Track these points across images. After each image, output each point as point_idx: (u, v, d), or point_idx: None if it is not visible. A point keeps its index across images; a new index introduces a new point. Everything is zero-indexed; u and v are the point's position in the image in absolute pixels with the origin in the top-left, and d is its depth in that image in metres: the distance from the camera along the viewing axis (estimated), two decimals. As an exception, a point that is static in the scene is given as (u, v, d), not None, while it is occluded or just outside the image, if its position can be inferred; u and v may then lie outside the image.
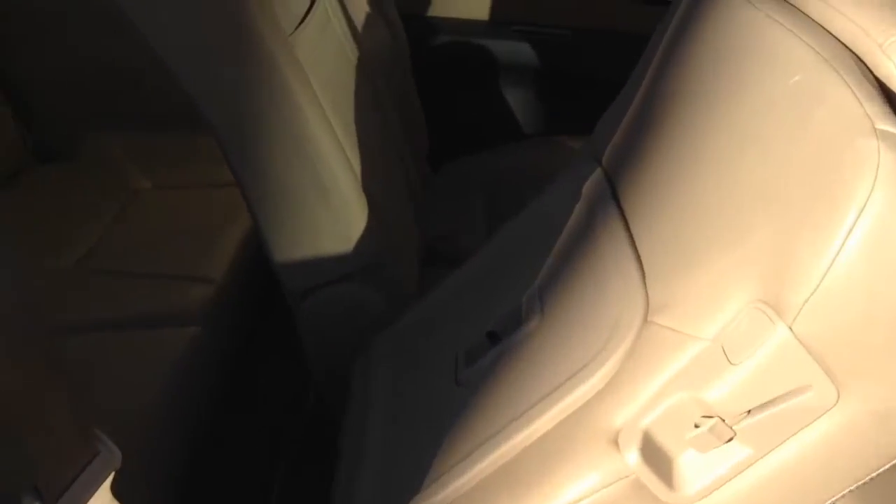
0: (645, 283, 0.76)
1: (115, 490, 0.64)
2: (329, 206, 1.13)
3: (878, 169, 0.56)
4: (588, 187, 0.94)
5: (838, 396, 0.62)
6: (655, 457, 0.70)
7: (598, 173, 0.95)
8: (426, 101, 1.91)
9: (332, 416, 1.35)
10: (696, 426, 0.67)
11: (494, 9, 1.96)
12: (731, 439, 0.66)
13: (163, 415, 1.29)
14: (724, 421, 0.66)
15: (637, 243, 0.81)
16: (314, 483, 1.34)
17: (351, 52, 1.34)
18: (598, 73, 1.85)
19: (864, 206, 0.57)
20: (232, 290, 1.51)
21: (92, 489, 0.62)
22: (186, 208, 1.75)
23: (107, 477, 0.64)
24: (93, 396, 1.28)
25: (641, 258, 0.79)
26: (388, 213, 1.27)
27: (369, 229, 1.18)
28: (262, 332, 1.56)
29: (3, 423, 0.57)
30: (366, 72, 1.38)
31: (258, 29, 1.01)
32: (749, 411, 0.65)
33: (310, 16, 1.19)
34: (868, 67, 0.63)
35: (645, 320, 0.73)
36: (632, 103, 0.94)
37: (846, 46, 0.65)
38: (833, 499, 0.68)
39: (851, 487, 0.67)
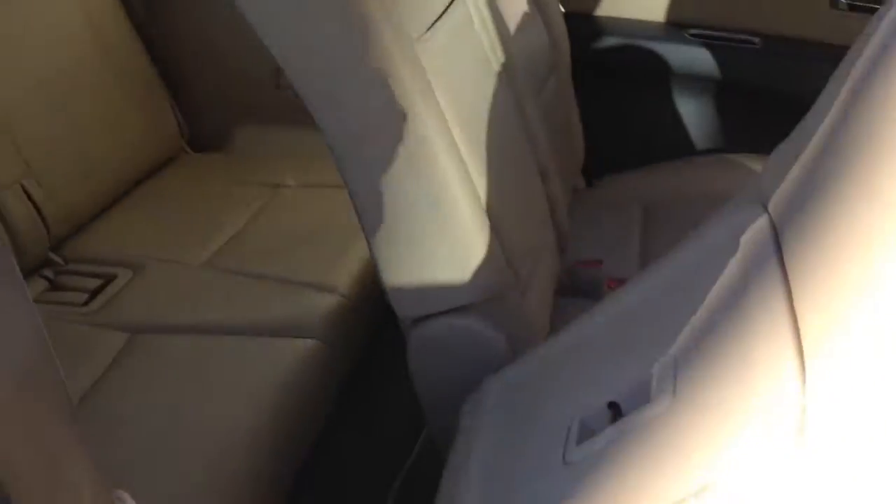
0: (804, 380, 0.58)
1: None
2: (446, 230, 1.01)
3: None
4: (748, 238, 0.76)
5: None
6: None
7: (761, 222, 0.76)
8: (586, 110, 1.75)
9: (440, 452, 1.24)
10: None
11: (670, 10, 1.75)
12: None
13: (271, 427, 1.23)
14: None
15: (800, 321, 0.63)
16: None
17: (494, 58, 1.21)
18: (786, 87, 1.61)
19: None
20: (356, 303, 1.43)
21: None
22: (325, 209, 1.69)
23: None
24: (200, 401, 1.25)
25: (803, 343, 0.61)
26: (517, 238, 1.13)
27: (492, 257, 1.05)
28: (382, 351, 1.47)
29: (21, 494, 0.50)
30: (509, 79, 1.24)
31: (376, 31, 0.90)
32: None
33: (445, 16, 1.07)
34: None
35: (800, 433, 0.56)
36: (816, 135, 0.75)
37: None
38: None
39: None
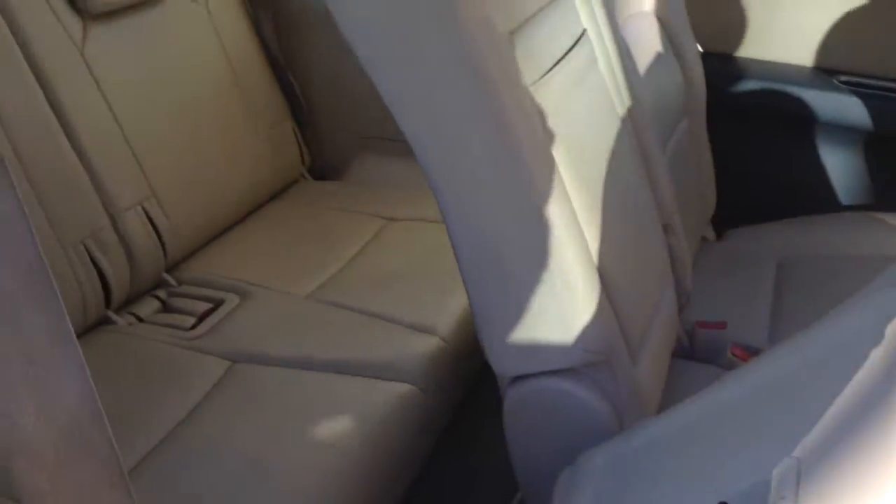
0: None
1: None
2: (552, 286, 0.94)
3: None
4: (893, 331, 0.65)
5: None
6: None
7: (915, 312, 0.65)
8: (719, 156, 1.64)
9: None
10: None
11: (819, 54, 1.62)
12: None
13: (360, 471, 1.18)
14: None
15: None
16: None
17: (618, 101, 1.13)
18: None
19: None
20: (456, 348, 1.37)
21: None
22: (434, 245, 1.65)
23: None
24: (292, 435, 1.23)
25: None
26: (631, 297, 1.04)
27: (601, 318, 0.96)
28: (481, 401, 1.40)
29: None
30: (634, 124, 1.16)
31: (488, 77, 0.84)
32: None
33: (569, 56, 1.00)
34: None
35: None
36: None
37: None
38: None
39: None
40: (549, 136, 0.91)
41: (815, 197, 1.71)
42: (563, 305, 0.95)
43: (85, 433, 0.48)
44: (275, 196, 1.88)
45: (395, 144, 1.89)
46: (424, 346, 1.35)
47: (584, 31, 1.07)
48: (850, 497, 0.58)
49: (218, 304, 1.52)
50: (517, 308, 0.96)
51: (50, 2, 1.44)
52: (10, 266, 0.42)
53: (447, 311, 1.42)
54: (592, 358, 0.97)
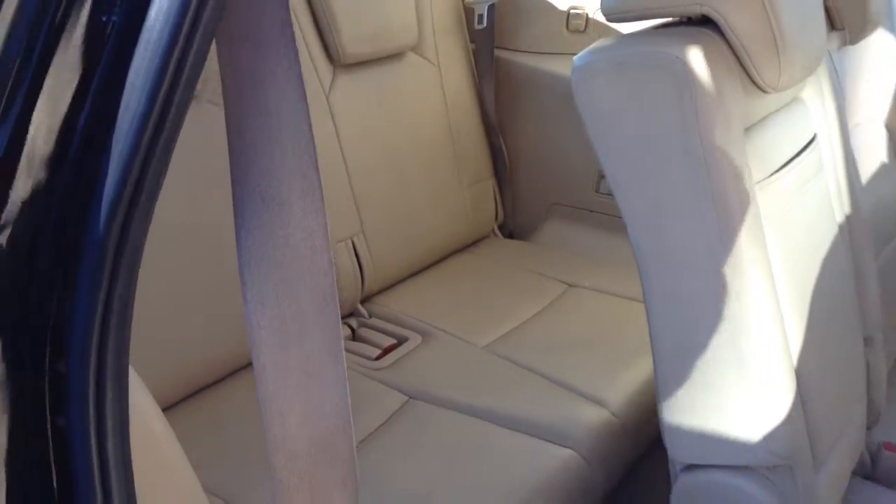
0: None
1: None
2: (747, 382, 0.94)
3: None
4: None
5: None
6: None
7: None
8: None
9: None
10: None
11: None
12: None
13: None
14: None
15: None
16: None
17: (839, 208, 1.13)
18: None
19: None
20: (624, 423, 1.38)
21: None
22: (613, 318, 1.67)
23: None
24: (455, 479, 1.27)
25: None
26: (823, 407, 1.02)
27: (790, 421, 0.95)
28: (643, 480, 1.39)
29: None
30: (851, 232, 1.14)
31: (716, 171, 0.87)
32: None
33: (798, 159, 1.01)
34: None
35: None
36: None
37: None
38: None
39: None
40: (768, 234, 0.93)
41: None
42: (755, 401, 0.95)
43: (334, 440, 0.55)
44: (466, 247, 1.97)
45: (581, 213, 1.94)
46: (592, 415, 1.37)
47: (815, 135, 1.08)
48: None
49: (402, 340, 1.61)
50: (705, 397, 0.97)
51: (310, 51, 1.61)
52: (309, 292, 0.50)
53: (620, 384, 1.44)
54: (776, 461, 0.96)
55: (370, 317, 1.68)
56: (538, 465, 1.28)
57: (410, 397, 1.44)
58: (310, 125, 0.49)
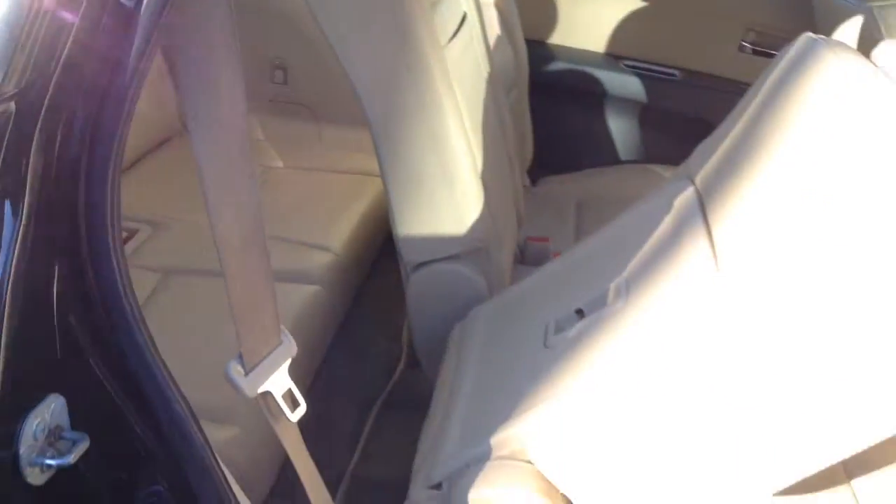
0: (717, 264, 0.94)
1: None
2: (452, 193, 1.33)
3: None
4: (680, 201, 1.11)
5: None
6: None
7: (690, 191, 1.12)
8: (535, 120, 2.10)
9: (419, 378, 1.56)
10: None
11: (610, 43, 2.14)
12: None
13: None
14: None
15: (713, 233, 0.99)
16: (399, 429, 1.53)
17: (484, 69, 1.55)
18: (697, 112, 2.01)
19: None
20: (348, 260, 1.73)
21: (276, 366, 0.82)
22: (312, 188, 1.99)
23: (286, 360, 0.84)
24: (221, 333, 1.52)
25: (715, 246, 0.97)
26: (499, 206, 1.46)
27: (482, 217, 1.37)
28: (368, 298, 1.77)
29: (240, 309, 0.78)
30: (494, 87, 1.58)
31: (421, 40, 1.22)
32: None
33: (458, 34, 1.40)
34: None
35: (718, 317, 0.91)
36: (728, 137, 1.11)
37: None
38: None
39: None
40: (454, 85, 1.31)
41: (603, 154, 2.24)
42: (458, 206, 1.35)
43: (256, 236, 0.80)
44: (154, 149, 2.11)
45: (268, 105, 2.18)
46: (322, 257, 1.70)
47: (465, 14, 1.47)
48: (657, 283, 1.02)
49: (132, 233, 1.75)
50: (425, 209, 1.35)
51: None
52: (231, 138, 0.74)
53: (337, 233, 1.78)
54: (477, 244, 1.38)
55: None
56: (290, 304, 1.58)
57: (164, 274, 1.62)
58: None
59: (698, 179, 1.12)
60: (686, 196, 1.12)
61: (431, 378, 1.35)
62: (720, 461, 0.89)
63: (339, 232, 1.79)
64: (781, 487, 0.86)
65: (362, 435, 1.60)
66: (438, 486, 1.03)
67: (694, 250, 1.00)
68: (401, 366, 1.72)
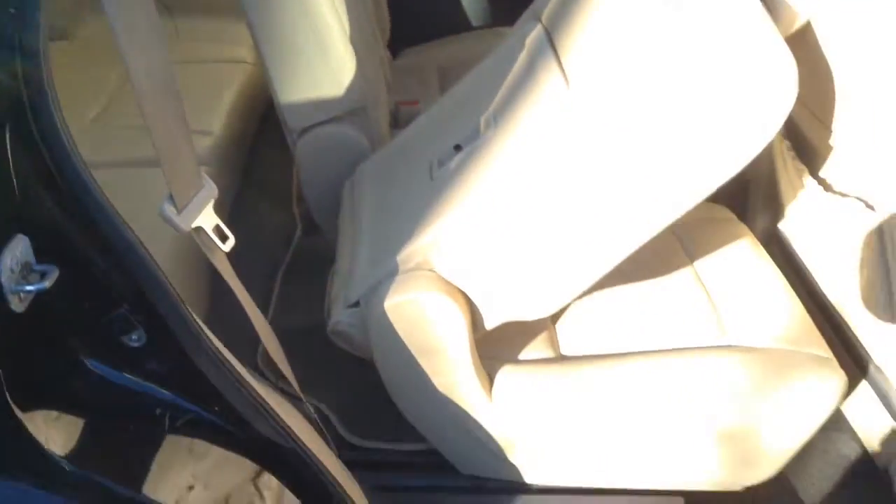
0: (567, 83, 1.11)
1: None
2: (327, 60, 1.43)
3: None
4: (531, 39, 1.27)
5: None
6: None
7: (538, 28, 1.27)
8: None
9: (317, 244, 1.69)
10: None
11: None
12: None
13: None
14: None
15: (561, 60, 1.15)
16: (303, 288, 1.67)
17: None
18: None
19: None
20: (228, 139, 1.81)
21: (203, 206, 0.93)
22: (178, 81, 2.01)
23: (210, 201, 0.95)
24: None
25: (564, 68, 1.13)
26: (371, 69, 1.58)
27: (357, 79, 1.49)
28: (255, 176, 1.86)
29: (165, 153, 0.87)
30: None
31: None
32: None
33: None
34: None
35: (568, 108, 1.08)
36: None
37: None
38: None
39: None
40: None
41: (456, 22, 2.36)
42: (333, 72, 1.46)
43: (169, 86, 0.90)
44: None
45: None
46: (205, 140, 1.77)
47: None
48: (520, 110, 1.18)
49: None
50: (304, 77, 1.45)
51: None
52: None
53: (214, 118, 1.84)
54: (354, 105, 1.50)
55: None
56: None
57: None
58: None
59: (544, 18, 1.27)
60: (536, 33, 1.27)
61: (331, 239, 1.48)
62: (574, 238, 1.08)
63: (216, 115, 1.86)
64: (626, 253, 1.06)
65: (271, 302, 1.73)
66: (356, 305, 1.18)
67: (547, 75, 1.16)
68: (298, 233, 1.84)
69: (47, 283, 0.75)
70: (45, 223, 0.78)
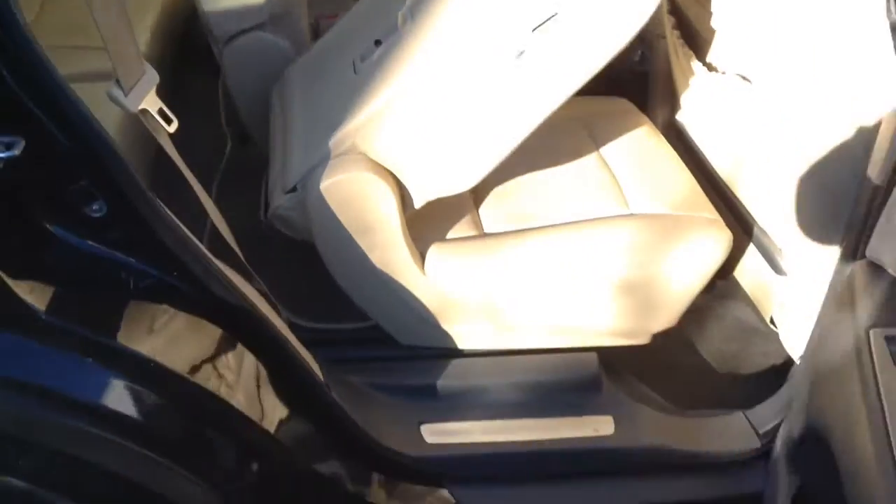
0: None
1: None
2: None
3: None
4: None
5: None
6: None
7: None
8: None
9: (249, 155, 1.77)
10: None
11: None
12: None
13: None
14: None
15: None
16: (239, 196, 1.75)
17: None
18: None
19: None
20: (155, 55, 1.85)
21: (147, 90, 1.01)
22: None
23: (153, 86, 1.03)
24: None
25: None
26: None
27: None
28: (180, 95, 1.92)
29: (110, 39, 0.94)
30: None
31: None
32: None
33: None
34: None
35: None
36: None
37: None
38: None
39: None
40: None
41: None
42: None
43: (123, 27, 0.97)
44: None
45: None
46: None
47: None
48: (436, 9, 1.29)
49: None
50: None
51: None
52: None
53: (139, 37, 1.87)
54: (280, 9, 1.57)
55: None
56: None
57: None
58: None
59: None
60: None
61: (263, 150, 1.55)
62: (485, 115, 1.21)
63: (141, 37, 1.89)
64: (532, 126, 1.19)
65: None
66: (294, 190, 1.28)
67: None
68: (228, 147, 1.91)
69: (17, 152, 0.83)
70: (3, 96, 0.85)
